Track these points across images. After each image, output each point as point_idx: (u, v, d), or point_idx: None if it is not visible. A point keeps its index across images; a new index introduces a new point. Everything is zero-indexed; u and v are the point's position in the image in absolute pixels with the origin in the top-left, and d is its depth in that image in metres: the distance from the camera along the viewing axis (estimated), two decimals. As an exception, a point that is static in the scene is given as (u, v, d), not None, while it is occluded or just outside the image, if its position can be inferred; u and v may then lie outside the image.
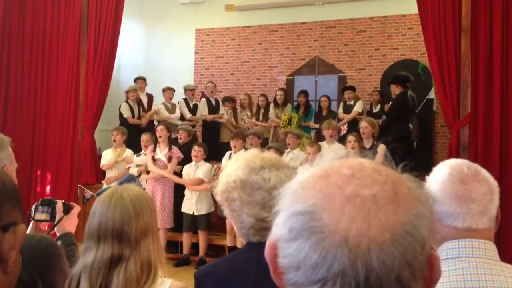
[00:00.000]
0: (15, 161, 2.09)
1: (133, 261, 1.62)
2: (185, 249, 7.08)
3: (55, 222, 2.21)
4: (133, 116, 8.88)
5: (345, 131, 8.32)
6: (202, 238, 6.99)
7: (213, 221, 7.14)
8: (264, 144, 7.45)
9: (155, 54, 11.42)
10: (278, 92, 9.45)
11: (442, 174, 1.42)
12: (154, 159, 7.11)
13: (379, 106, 8.85)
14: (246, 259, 1.51)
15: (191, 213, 6.98)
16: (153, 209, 1.75)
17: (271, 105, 9.42)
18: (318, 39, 10.60)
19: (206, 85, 9.66)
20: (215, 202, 7.09)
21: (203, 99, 9.41)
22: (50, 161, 8.61)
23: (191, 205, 7.01)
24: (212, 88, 9.45)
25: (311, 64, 10.62)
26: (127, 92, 9.01)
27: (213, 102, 9.36)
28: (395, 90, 7.84)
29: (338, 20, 10.46)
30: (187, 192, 7.07)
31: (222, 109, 9.38)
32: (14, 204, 1.02)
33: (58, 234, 2.21)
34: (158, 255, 1.70)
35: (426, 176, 1.43)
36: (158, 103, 9.34)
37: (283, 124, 8.87)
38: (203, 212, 6.98)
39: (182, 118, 9.17)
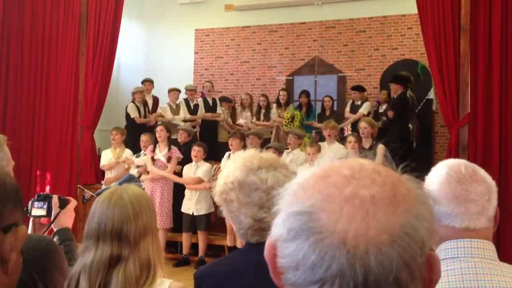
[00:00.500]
0: (13, 159, 2.08)
1: (132, 261, 1.62)
2: (185, 249, 7.08)
3: (52, 218, 2.19)
4: (139, 117, 8.89)
5: (349, 132, 8.31)
6: (201, 238, 6.99)
7: (213, 221, 7.14)
8: (264, 145, 7.45)
9: (155, 54, 11.42)
10: (281, 92, 9.47)
11: (440, 174, 1.42)
12: (153, 160, 7.11)
13: (385, 106, 8.83)
14: (245, 260, 1.51)
15: (191, 213, 6.99)
16: (152, 209, 1.75)
17: (274, 105, 9.43)
18: (317, 39, 10.60)
19: (203, 85, 9.67)
20: (214, 202, 7.08)
21: (200, 99, 9.42)
22: (49, 161, 8.60)
23: (190, 205, 7.01)
24: (209, 87, 9.46)
25: (311, 64, 10.62)
26: (133, 93, 8.97)
27: (210, 102, 9.36)
28: (397, 89, 7.83)
29: (337, 20, 10.46)
30: (187, 192, 7.07)
31: (220, 109, 9.39)
32: (15, 205, 1.03)
33: (54, 230, 2.19)
34: (158, 256, 1.70)
35: (425, 176, 1.43)
36: (161, 104, 9.35)
37: (285, 122, 8.87)
38: (202, 212, 6.98)
39: (185, 120, 9.17)
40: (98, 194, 1.80)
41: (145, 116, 8.97)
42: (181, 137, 7.74)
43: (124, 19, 8.75)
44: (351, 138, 6.61)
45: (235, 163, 1.53)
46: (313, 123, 9.08)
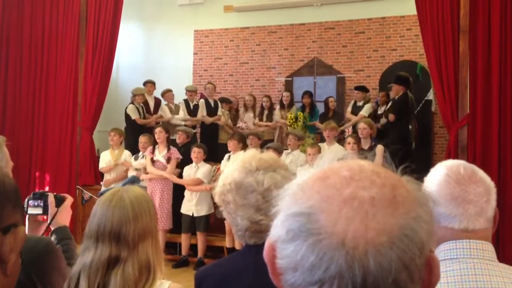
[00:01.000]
0: (12, 160, 2.08)
1: (131, 263, 1.62)
2: (184, 250, 7.08)
3: (48, 217, 2.15)
4: (139, 117, 8.88)
5: (350, 133, 8.30)
6: (200, 240, 6.99)
7: (212, 223, 7.14)
8: (265, 145, 7.44)
9: (154, 55, 11.42)
10: (284, 94, 9.49)
11: (439, 175, 1.42)
12: (153, 161, 7.11)
13: (384, 107, 8.81)
14: (245, 261, 1.52)
15: (191, 214, 6.98)
16: (153, 212, 1.75)
17: (277, 106, 9.42)
18: (316, 40, 10.61)
19: (205, 86, 9.66)
20: (214, 203, 7.10)
21: (202, 100, 9.42)
22: (48, 162, 8.60)
23: (190, 206, 7.00)
24: (212, 89, 9.47)
25: (310, 65, 10.61)
26: (134, 95, 8.91)
27: (212, 103, 9.36)
28: (398, 90, 7.76)
29: (336, 21, 10.46)
30: (187, 193, 7.07)
31: (221, 111, 9.39)
32: (14, 206, 1.03)
33: (52, 228, 2.17)
34: (157, 258, 1.70)
35: (424, 177, 1.43)
36: (161, 105, 9.35)
37: (289, 122, 8.87)
38: (202, 213, 6.98)
39: (185, 120, 9.17)
40: (100, 195, 1.80)
41: (144, 117, 8.97)
42: (179, 138, 7.73)
43: (123, 20, 8.76)
44: (350, 139, 6.61)
45: (234, 164, 1.54)
46: (316, 124, 9.08)
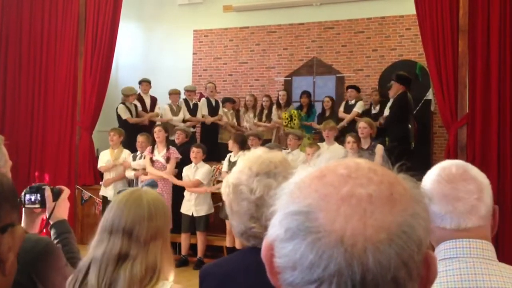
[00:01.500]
0: (11, 159, 2.07)
1: (139, 261, 1.63)
2: (183, 250, 7.07)
3: (47, 212, 2.12)
4: (131, 117, 8.84)
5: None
6: (200, 239, 6.99)
7: (212, 222, 7.14)
8: (264, 145, 7.42)
9: (153, 55, 11.42)
10: (280, 93, 9.49)
11: (432, 175, 1.42)
12: (152, 161, 7.11)
13: (378, 106, 8.83)
14: (245, 261, 1.52)
15: (190, 214, 6.98)
16: (168, 216, 1.78)
17: (274, 106, 9.42)
18: (316, 40, 10.61)
19: (206, 86, 9.66)
20: (214, 203, 7.10)
21: (203, 99, 9.41)
22: (48, 162, 8.59)
23: (190, 206, 7.00)
24: (212, 88, 9.46)
25: (309, 65, 10.62)
26: (127, 95, 8.80)
27: (213, 103, 9.36)
28: (398, 88, 7.73)
29: (336, 21, 10.47)
30: (186, 193, 7.06)
31: (221, 110, 9.38)
32: (12, 206, 1.03)
33: (51, 223, 2.15)
34: (167, 261, 1.71)
35: (423, 177, 1.43)
36: (159, 104, 9.33)
37: (285, 122, 8.86)
38: (202, 213, 6.98)
39: (185, 120, 9.15)
40: (119, 193, 1.82)
41: (137, 116, 8.92)
42: (178, 137, 7.72)
43: (122, 20, 8.76)
44: (349, 139, 6.61)
45: (238, 166, 1.54)
46: (313, 124, 9.08)
